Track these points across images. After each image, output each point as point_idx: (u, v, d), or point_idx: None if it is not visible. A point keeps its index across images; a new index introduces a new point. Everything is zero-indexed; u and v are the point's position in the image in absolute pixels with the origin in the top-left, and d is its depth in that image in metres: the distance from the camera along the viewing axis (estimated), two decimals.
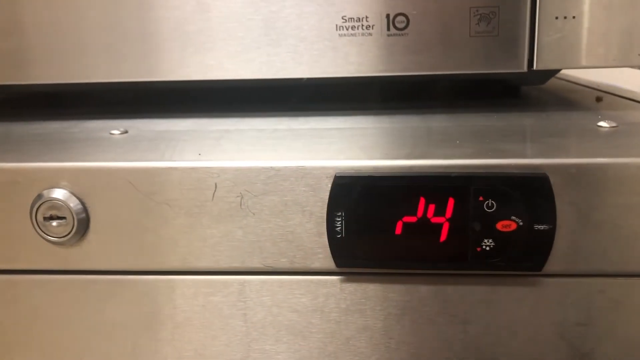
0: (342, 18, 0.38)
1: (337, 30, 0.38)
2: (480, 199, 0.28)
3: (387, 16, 0.38)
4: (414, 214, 0.29)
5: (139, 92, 0.57)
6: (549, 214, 0.28)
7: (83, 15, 0.39)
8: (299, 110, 0.44)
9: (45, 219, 0.30)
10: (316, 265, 0.30)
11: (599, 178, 0.28)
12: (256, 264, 0.31)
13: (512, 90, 0.52)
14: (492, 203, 0.28)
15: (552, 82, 0.53)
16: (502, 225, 0.28)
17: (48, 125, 0.41)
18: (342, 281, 0.31)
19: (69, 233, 0.30)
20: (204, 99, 0.52)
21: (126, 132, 0.37)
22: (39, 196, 0.30)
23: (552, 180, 0.28)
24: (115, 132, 0.37)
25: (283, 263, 0.30)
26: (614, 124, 0.35)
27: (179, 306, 0.32)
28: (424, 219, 0.29)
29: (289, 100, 0.50)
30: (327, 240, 0.30)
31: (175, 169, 0.30)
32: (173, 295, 0.32)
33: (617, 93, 0.50)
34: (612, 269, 0.29)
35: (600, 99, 0.47)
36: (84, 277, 0.32)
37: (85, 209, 0.30)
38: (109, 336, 0.32)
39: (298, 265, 0.30)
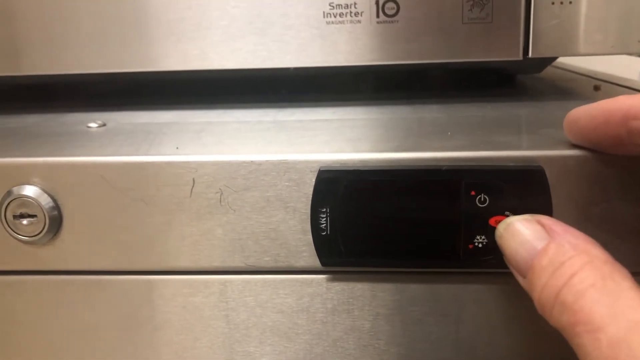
0: (330, 5, 0.36)
1: (324, 17, 0.37)
2: (472, 193, 0.27)
3: (377, 2, 0.36)
4: (403, 209, 0.27)
5: (120, 84, 0.56)
6: (544, 208, 0.26)
7: (59, 5, 0.37)
8: (286, 101, 0.43)
9: (15, 217, 0.29)
10: (301, 264, 0.29)
11: (597, 171, 0.27)
12: (238, 263, 0.29)
13: (507, 79, 0.51)
14: (484, 198, 0.27)
15: (548, 70, 0.51)
16: (496, 221, 0.27)
17: (25, 118, 0.40)
18: (329, 280, 0.29)
19: (40, 232, 0.29)
20: (188, 90, 0.51)
21: (104, 125, 0.36)
22: (9, 193, 0.29)
23: (547, 173, 0.26)
24: (93, 125, 0.36)
25: (266, 262, 0.29)
26: None
27: (158, 307, 0.30)
28: (414, 215, 0.27)
29: (276, 91, 0.48)
30: (311, 238, 0.28)
31: (151, 163, 0.28)
32: (151, 296, 0.30)
33: (615, 82, 0.49)
34: None
35: (598, 87, 0.46)
36: (57, 277, 0.30)
37: (57, 207, 0.29)
38: (84, 339, 0.31)
39: (282, 264, 0.29)
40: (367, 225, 0.28)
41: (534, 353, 0.29)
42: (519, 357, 0.29)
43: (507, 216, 0.26)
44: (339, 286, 0.29)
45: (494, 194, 0.26)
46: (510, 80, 0.50)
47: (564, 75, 0.56)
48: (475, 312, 0.29)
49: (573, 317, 0.20)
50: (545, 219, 0.24)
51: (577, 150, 0.27)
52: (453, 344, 0.29)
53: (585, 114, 0.26)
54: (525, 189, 0.26)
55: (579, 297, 0.20)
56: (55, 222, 0.29)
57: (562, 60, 0.62)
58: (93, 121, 0.36)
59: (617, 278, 0.21)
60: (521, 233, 0.24)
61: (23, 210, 0.29)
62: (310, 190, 0.28)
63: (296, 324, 0.30)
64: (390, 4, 0.36)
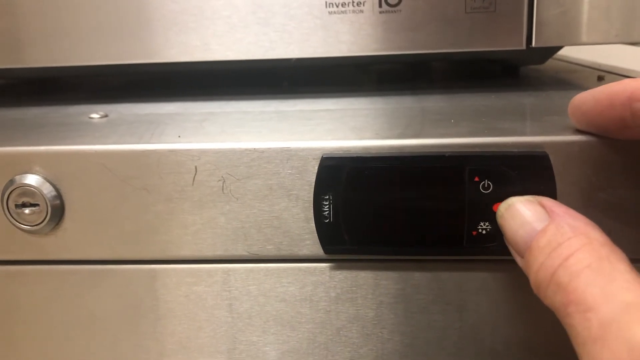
0: None
1: (326, 7, 0.36)
2: (476, 179, 0.26)
3: None
4: (406, 196, 0.27)
5: (122, 76, 0.55)
6: (549, 194, 0.26)
7: None
8: (289, 92, 0.43)
9: (17, 206, 0.29)
10: (304, 252, 0.29)
11: (602, 156, 0.26)
12: (241, 251, 0.29)
13: (511, 70, 0.50)
14: (488, 184, 0.26)
15: (551, 62, 0.51)
16: None
17: (26, 110, 0.40)
18: (332, 268, 0.29)
19: (42, 221, 0.29)
20: (190, 82, 0.51)
21: (106, 116, 0.36)
22: (11, 182, 0.29)
23: (552, 159, 0.26)
24: (95, 116, 0.36)
25: (269, 250, 0.29)
26: None
27: (161, 297, 0.30)
28: (417, 202, 0.27)
29: (279, 82, 0.48)
30: (314, 226, 0.28)
31: (153, 151, 0.28)
32: (154, 286, 0.30)
33: (618, 72, 0.48)
34: None
35: (602, 78, 0.45)
36: (60, 267, 0.30)
37: (59, 195, 0.29)
38: (87, 329, 0.31)
39: (285, 252, 0.29)
40: (371, 213, 0.27)
41: (537, 340, 0.29)
42: (523, 344, 0.29)
43: None
44: (342, 274, 0.29)
45: (498, 180, 0.26)
46: (514, 71, 0.50)
47: (568, 67, 0.55)
48: (479, 300, 0.29)
49: (566, 297, 0.20)
50: (546, 200, 0.24)
51: (582, 135, 0.26)
52: (457, 332, 0.29)
53: (589, 98, 0.25)
54: (530, 175, 0.26)
55: (573, 278, 0.21)
56: (58, 211, 0.29)
57: (565, 52, 0.61)
58: (95, 112, 0.36)
59: (614, 260, 0.21)
60: (522, 214, 0.24)
61: (25, 199, 0.29)
62: (313, 177, 0.28)
63: (299, 313, 0.30)
64: None
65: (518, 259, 0.24)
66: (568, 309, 0.20)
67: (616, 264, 0.20)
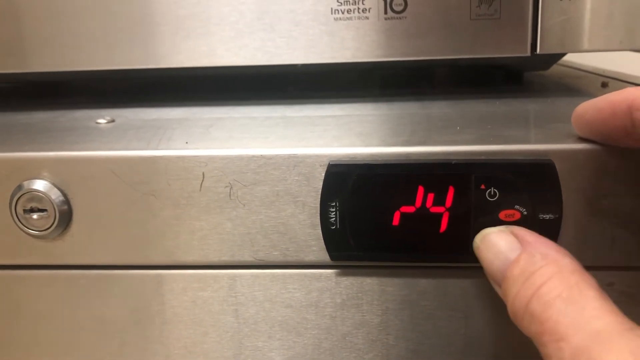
0: (338, 1, 0.36)
1: (332, 14, 0.37)
2: (482, 187, 0.27)
3: None
4: (412, 203, 0.27)
5: (128, 82, 0.56)
6: (554, 202, 0.26)
7: (68, 2, 0.37)
8: (294, 98, 0.43)
9: (25, 211, 0.29)
10: (310, 258, 0.29)
11: (607, 164, 0.27)
12: (247, 257, 0.29)
13: (515, 77, 0.51)
14: (494, 191, 0.27)
15: (555, 68, 0.51)
16: (505, 215, 0.26)
17: (34, 115, 0.40)
18: (338, 275, 0.29)
19: (50, 226, 0.29)
20: (196, 87, 0.51)
21: (113, 121, 0.36)
22: (19, 187, 0.29)
23: (557, 166, 0.26)
24: (102, 121, 0.36)
25: (275, 256, 0.29)
26: None
27: (168, 302, 0.30)
28: (423, 209, 0.27)
29: (284, 88, 0.48)
30: (321, 232, 0.28)
31: (161, 157, 0.28)
32: (161, 291, 0.30)
33: (622, 79, 0.49)
34: (622, 260, 0.27)
35: (606, 84, 0.45)
36: (67, 272, 0.30)
37: (67, 201, 0.29)
38: (94, 334, 0.31)
39: (291, 258, 0.29)
40: (377, 220, 0.28)
41: None
42: (528, 351, 0.29)
43: (517, 210, 0.26)
44: (348, 281, 0.29)
45: (504, 187, 0.26)
46: (518, 77, 0.50)
47: (571, 72, 0.55)
48: (484, 307, 0.29)
49: (540, 327, 0.21)
50: (518, 229, 0.25)
51: (587, 143, 0.27)
52: (462, 339, 0.29)
53: (592, 107, 0.26)
54: (536, 183, 0.26)
55: (546, 308, 0.21)
56: (65, 217, 0.29)
57: (569, 58, 0.61)
58: (102, 117, 0.37)
59: (583, 287, 0.21)
60: (495, 244, 0.25)
61: (33, 205, 0.29)
62: (319, 184, 0.28)
63: (305, 319, 0.30)
64: (398, 0, 0.36)
65: (497, 288, 0.25)
66: (543, 339, 0.21)
67: (585, 291, 0.21)
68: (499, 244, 0.25)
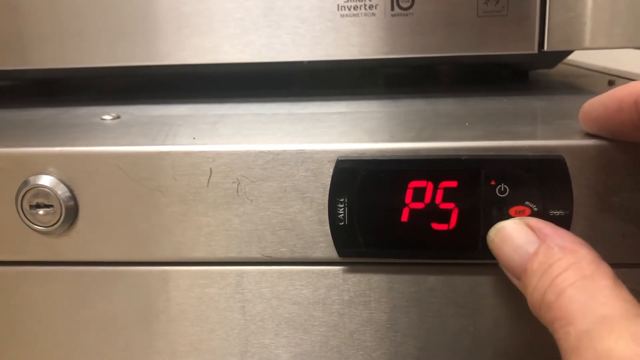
0: None
1: (338, 10, 0.36)
2: (492, 183, 0.26)
3: None
4: (421, 199, 0.27)
5: (134, 78, 0.56)
6: (565, 199, 0.26)
7: None
8: (300, 95, 0.43)
9: (31, 207, 0.29)
10: (318, 254, 0.29)
11: (617, 160, 0.26)
12: (254, 253, 0.29)
13: (521, 74, 0.50)
14: (504, 188, 0.26)
15: (559, 68, 0.51)
16: (516, 211, 0.26)
17: (38, 111, 0.40)
18: (345, 271, 0.29)
19: (56, 222, 0.29)
20: (202, 84, 0.51)
21: (118, 117, 0.36)
22: (25, 183, 0.29)
23: (568, 163, 0.26)
24: (107, 117, 0.36)
25: (283, 253, 0.29)
26: None
27: (174, 298, 0.30)
28: (432, 205, 0.27)
29: (290, 85, 0.48)
30: (329, 229, 0.28)
31: (168, 153, 0.28)
32: (167, 287, 0.30)
33: (629, 77, 0.48)
34: (633, 257, 0.27)
35: (613, 82, 0.45)
36: (73, 268, 0.30)
37: (73, 197, 0.29)
38: (100, 330, 0.31)
39: (298, 255, 0.29)
40: (385, 216, 0.27)
41: (551, 344, 0.29)
42: (537, 348, 0.29)
43: (527, 206, 0.26)
44: (355, 277, 0.29)
45: (514, 183, 0.26)
46: (524, 75, 0.50)
47: (577, 71, 0.55)
48: (493, 304, 0.29)
49: (553, 314, 0.21)
50: (533, 221, 0.25)
51: (598, 139, 0.26)
52: (470, 336, 0.29)
53: (598, 103, 0.26)
54: (546, 179, 0.26)
55: (559, 296, 0.22)
56: (72, 212, 0.29)
57: (575, 57, 0.61)
58: (107, 114, 0.36)
59: (597, 278, 0.21)
60: (512, 238, 0.25)
61: (39, 200, 0.29)
62: (327, 180, 0.28)
63: (312, 316, 0.30)
64: None
65: (515, 281, 0.25)
66: (554, 325, 0.21)
67: (599, 281, 0.21)
68: (516, 236, 0.25)
